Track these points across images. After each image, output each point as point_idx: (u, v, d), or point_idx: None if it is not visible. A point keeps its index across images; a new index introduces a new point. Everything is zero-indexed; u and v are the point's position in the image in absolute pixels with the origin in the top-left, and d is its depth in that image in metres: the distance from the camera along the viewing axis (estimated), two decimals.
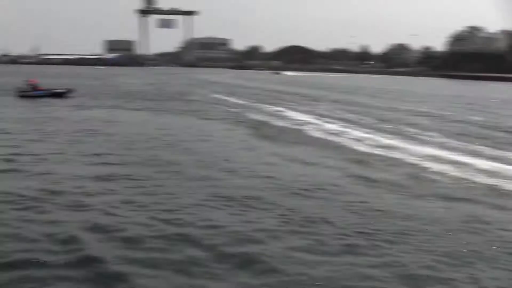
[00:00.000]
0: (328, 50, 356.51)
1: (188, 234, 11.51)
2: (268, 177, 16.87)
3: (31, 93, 47.45)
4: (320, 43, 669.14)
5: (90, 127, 27.73)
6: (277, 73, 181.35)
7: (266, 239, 11.39)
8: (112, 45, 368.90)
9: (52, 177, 16.31)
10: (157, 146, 21.92)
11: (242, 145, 23.46)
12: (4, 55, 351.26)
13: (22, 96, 47.13)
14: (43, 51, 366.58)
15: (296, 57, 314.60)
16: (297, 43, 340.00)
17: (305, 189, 15.63)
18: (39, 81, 50.05)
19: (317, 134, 27.88)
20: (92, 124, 29.19)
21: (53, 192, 14.41)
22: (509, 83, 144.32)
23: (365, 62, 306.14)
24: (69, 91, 50.80)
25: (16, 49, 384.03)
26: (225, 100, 50.99)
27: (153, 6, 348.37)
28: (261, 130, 28.89)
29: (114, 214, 12.80)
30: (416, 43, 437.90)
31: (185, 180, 16.22)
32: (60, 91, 49.74)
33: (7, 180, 15.77)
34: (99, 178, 16.36)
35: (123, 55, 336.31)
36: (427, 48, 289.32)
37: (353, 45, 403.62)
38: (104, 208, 13.20)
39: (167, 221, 12.40)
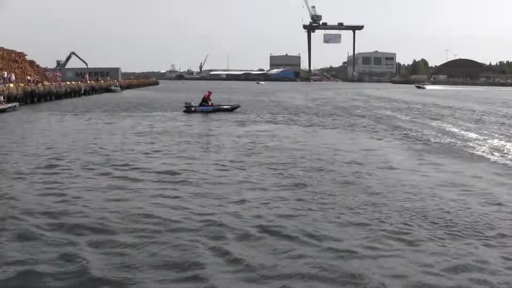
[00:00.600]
0: (497, 63, 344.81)
1: None
2: None
3: (199, 108, 48.58)
4: (489, 57, 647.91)
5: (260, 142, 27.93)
6: (420, 87, 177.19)
7: None
8: (277, 60, 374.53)
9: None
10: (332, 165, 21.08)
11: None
12: (171, 71, 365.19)
13: (189, 112, 48.36)
14: (210, 67, 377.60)
15: (462, 71, 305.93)
16: (465, 57, 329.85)
17: None
18: (211, 93, 51.18)
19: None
20: (260, 138, 29.35)
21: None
22: None
23: None
24: (235, 107, 51.91)
25: (184, 65, 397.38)
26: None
27: (319, 21, 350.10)
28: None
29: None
30: None
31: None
32: (226, 107, 50.87)
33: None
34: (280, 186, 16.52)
35: (287, 70, 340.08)
36: None
37: None
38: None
39: None
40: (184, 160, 21.48)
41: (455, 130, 35.75)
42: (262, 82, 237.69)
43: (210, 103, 49.78)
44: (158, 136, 30.46)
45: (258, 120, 42.22)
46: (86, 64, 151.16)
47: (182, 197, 15.20)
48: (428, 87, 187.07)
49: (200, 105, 49.08)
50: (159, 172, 18.76)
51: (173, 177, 17.95)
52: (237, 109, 51.25)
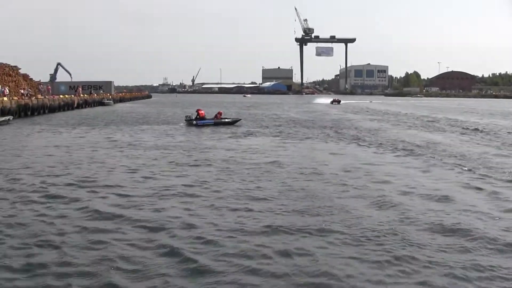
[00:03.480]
0: (489, 75, 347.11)
1: None
2: None
3: (199, 121, 48.72)
4: (481, 69, 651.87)
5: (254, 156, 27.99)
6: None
7: None
8: (270, 73, 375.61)
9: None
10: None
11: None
12: (163, 85, 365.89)
13: (189, 124, 48.83)
14: (203, 80, 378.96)
15: (454, 83, 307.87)
16: (457, 69, 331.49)
17: None
18: (204, 112, 51.29)
19: None
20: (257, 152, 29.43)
21: None
22: None
23: None
24: (236, 120, 52.20)
25: (176, 79, 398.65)
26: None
27: (311, 34, 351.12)
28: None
29: None
30: None
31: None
32: (227, 121, 50.98)
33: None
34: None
35: (279, 83, 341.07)
36: None
37: None
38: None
39: None
40: (180, 175, 21.52)
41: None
42: (249, 96, 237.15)
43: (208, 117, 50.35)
44: (155, 151, 30.44)
45: (257, 133, 42.62)
46: (70, 75, 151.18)
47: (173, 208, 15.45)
48: (400, 101, 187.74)
49: (200, 119, 49.38)
50: (154, 188, 18.80)
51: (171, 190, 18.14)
52: (238, 123, 51.53)
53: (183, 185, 19.11)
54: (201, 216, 14.54)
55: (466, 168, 23.48)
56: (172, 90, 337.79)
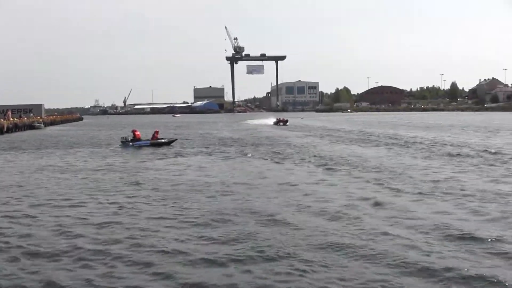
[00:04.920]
0: (417, 89, 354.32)
1: None
2: None
3: (135, 143, 49.04)
4: (409, 83, 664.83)
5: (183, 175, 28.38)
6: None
7: None
8: (201, 93, 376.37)
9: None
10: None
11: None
12: (95, 106, 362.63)
13: (125, 146, 49.08)
14: (134, 100, 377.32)
15: (384, 97, 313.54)
16: (386, 84, 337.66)
17: None
18: (139, 132, 51.42)
19: None
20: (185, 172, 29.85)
21: None
22: None
23: (456, 99, 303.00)
24: (172, 141, 52.37)
25: (108, 100, 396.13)
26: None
27: (242, 53, 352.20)
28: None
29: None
30: (508, 78, 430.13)
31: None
32: (164, 141, 50.97)
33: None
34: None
35: (211, 102, 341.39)
36: None
37: (444, 83, 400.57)
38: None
39: None
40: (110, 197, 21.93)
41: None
42: (178, 115, 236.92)
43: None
44: (89, 172, 30.69)
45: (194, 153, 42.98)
46: None
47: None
48: (332, 116, 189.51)
49: (136, 140, 49.79)
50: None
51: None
52: (174, 143, 51.69)
53: (113, 208, 19.49)
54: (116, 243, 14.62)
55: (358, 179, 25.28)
56: (104, 111, 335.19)
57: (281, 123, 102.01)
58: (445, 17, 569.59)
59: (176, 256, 13.09)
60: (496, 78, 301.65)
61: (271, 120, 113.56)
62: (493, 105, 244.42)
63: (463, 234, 14.53)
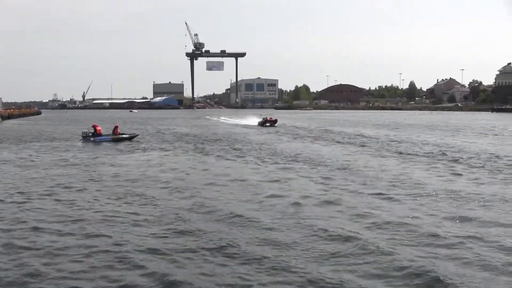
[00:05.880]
0: (376, 88, 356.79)
1: None
2: None
3: (96, 138, 49.14)
4: (368, 82, 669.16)
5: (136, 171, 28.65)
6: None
7: None
8: (161, 88, 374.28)
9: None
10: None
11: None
12: (53, 101, 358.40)
13: (86, 141, 49.14)
14: (93, 95, 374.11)
15: (343, 95, 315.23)
16: (345, 82, 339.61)
17: None
18: (100, 127, 51.37)
19: None
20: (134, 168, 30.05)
21: None
22: None
23: (414, 98, 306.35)
24: (133, 136, 52.46)
25: (67, 94, 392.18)
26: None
27: (202, 49, 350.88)
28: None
29: None
30: (465, 78, 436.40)
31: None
32: (125, 136, 51.17)
33: None
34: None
35: (170, 98, 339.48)
36: (475, 83, 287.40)
37: (402, 82, 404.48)
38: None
39: None
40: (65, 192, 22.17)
41: None
42: (135, 111, 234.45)
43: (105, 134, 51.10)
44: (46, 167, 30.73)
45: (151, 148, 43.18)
46: None
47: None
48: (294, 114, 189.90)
49: (97, 135, 49.84)
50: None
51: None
52: (135, 138, 51.84)
53: (69, 202, 19.71)
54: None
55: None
56: (62, 106, 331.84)
57: (268, 124, 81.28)
58: (404, 18, 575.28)
59: (130, 251, 13.40)
60: (453, 78, 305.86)
61: (253, 120, 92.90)
62: (450, 104, 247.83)
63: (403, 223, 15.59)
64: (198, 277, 11.54)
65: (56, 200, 20.27)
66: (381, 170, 28.57)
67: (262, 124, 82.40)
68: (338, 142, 50.45)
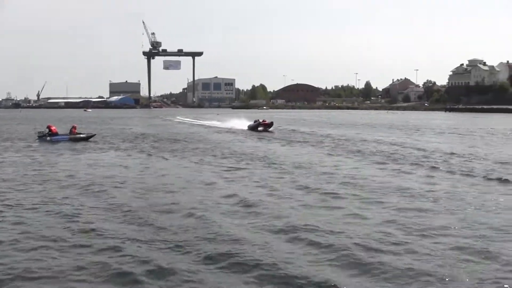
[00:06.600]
0: (332, 87, 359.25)
1: None
2: None
3: (53, 137, 48.68)
4: (325, 81, 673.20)
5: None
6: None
7: None
8: (117, 88, 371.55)
9: None
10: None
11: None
12: (7, 99, 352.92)
13: (42, 141, 48.61)
14: (49, 94, 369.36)
15: (299, 95, 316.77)
16: (302, 82, 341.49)
17: None
18: (55, 127, 50.90)
19: None
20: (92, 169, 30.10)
21: None
22: (508, 114, 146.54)
23: (370, 98, 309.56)
24: (91, 136, 52.08)
25: (21, 93, 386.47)
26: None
27: (159, 48, 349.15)
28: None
29: None
30: (419, 78, 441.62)
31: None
32: (82, 136, 50.75)
33: None
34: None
35: (127, 97, 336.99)
36: (429, 83, 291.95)
37: (358, 82, 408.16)
38: None
39: None
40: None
41: None
42: (89, 110, 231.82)
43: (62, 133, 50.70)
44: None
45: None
46: None
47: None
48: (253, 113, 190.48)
49: (53, 135, 49.34)
50: None
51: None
52: (93, 138, 51.52)
53: (26, 203, 19.60)
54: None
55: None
56: (16, 105, 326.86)
57: (260, 128, 66.60)
58: (359, 18, 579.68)
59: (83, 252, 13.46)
60: (408, 78, 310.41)
61: (241, 123, 76.81)
62: (405, 104, 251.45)
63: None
64: (149, 276, 11.69)
65: (5, 202, 19.92)
66: (335, 169, 29.17)
67: (254, 128, 67.35)
68: (297, 142, 50.88)
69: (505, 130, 68.91)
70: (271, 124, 67.48)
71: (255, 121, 69.01)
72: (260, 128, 66.15)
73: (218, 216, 17.23)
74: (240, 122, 78.27)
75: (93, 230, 15.49)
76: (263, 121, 68.39)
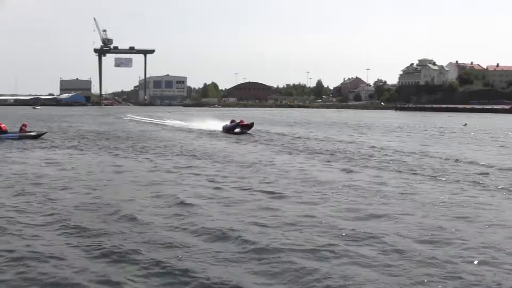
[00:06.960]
0: (284, 86, 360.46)
1: None
2: None
3: (2, 135, 47.82)
4: (277, 80, 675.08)
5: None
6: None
7: None
8: (68, 85, 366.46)
9: None
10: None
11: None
12: None
13: None
14: None
15: (251, 93, 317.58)
16: (254, 80, 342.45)
17: None
18: (4, 125, 50.16)
19: None
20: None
21: None
22: (456, 113, 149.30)
23: (321, 96, 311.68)
24: (41, 134, 51.52)
25: None
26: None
27: (110, 45, 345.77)
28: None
29: None
30: (370, 77, 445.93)
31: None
32: (32, 134, 50.04)
33: None
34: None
35: (77, 94, 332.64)
36: (380, 82, 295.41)
37: (310, 81, 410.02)
38: None
39: None
40: None
41: None
42: (39, 108, 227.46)
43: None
44: None
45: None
46: None
47: None
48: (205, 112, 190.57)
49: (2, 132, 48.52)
50: None
51: None
52: (43, 136, 51.03)
53: None
54: None
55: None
56: None
57: (238, 129, 58.70)
58: (311, 17, 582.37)
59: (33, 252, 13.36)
60: (359, 77, 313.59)
61: (215, 123, 69.82)
62: (356, 103, 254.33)
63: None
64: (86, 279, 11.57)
65: None
66: (285, 167, 29.57)
67: (230, 129, 59.27)
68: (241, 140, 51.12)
69: (453, 129, 70.81)
70: (251, 125, 60.23)
71: (231, 121, 61.69)
72: (237, 130, 58.28)
73: (151, 217, 17.14)
74: (212, 122, 72.36)
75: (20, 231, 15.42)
76: (241, 121, 60.87)
